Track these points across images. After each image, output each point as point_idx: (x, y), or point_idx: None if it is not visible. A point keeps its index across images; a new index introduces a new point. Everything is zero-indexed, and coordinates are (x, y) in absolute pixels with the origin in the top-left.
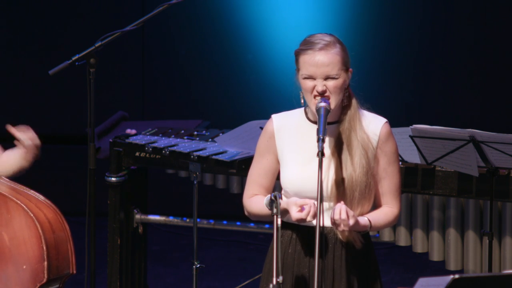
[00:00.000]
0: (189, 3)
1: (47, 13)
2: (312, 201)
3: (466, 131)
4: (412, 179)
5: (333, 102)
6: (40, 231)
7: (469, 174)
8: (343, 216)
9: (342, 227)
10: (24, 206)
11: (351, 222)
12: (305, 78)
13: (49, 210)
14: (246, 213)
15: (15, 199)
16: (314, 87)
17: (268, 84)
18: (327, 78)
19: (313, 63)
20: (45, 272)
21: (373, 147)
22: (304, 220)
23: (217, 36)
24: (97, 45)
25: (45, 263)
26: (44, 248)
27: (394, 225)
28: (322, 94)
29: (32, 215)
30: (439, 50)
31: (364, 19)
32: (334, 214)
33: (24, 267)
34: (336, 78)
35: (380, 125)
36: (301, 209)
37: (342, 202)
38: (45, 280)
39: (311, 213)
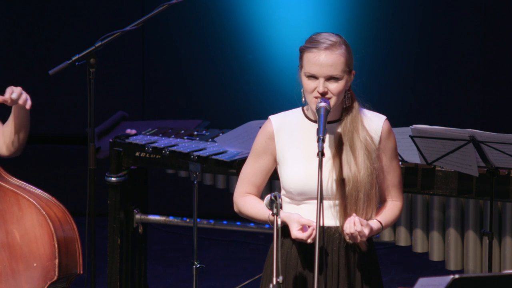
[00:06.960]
0: (189, 3)
1: (47, 13)
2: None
3: (466, 131)
4: (412, 179)
5: (333, 103)
6: (52, 228)
7: (469, 174)
8: (358, 228)
9: (359, 239)
10: (36, 204)
11: (367, 231)
12: (307, 76)
13: (58, 209)
14: (236, 209)
15: (27, 196)
16: (315, 88)
17: (268, 84)
18: (329, 78)
19: (317, 62)
20: (56, 270)
21: (376, 147)
22: (304, 241)
23: (217, 36)
24: (97, 45)
25: (56, 260)
26: (56, 245)
27: (393, 225)
28: (323, 95)
29: (44, 212)
30: (440, 50)
31: (364, 18)
32: (348, 228)
33: (35, 264)
34: (338, 79)
35: (381, 123)
36: (303, 228)
37: (354, 215)
38: (55, 278)
39: (313, 236)
